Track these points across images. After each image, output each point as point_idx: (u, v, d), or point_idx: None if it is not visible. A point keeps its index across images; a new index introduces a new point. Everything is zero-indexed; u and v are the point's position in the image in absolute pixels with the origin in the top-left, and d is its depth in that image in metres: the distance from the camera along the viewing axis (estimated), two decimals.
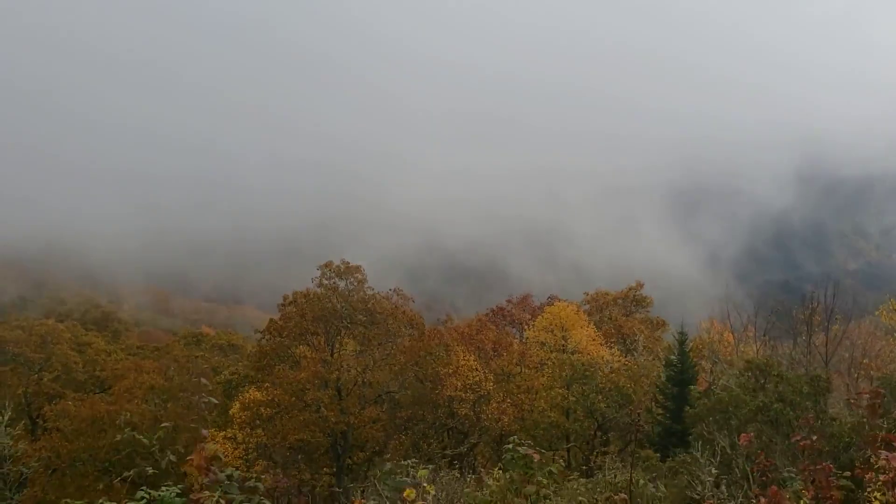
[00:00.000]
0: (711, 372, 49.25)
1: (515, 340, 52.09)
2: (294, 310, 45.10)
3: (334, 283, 45.45)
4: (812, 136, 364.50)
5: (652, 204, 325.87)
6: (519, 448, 7.16)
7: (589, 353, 50.26)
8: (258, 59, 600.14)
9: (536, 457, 6.93)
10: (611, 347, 53.27)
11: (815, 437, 10.66)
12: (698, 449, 16.94)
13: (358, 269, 45.48)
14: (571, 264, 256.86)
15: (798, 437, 10.27)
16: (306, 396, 42.44)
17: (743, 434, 11.74)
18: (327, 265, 45.20)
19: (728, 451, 13.47)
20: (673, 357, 45.12)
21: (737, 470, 12.46)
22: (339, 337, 46.95)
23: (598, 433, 49.33)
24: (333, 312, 44.95)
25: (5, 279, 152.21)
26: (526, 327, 56.20)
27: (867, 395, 9.22)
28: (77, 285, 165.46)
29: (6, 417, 50.69)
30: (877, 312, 48.87)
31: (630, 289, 61.55)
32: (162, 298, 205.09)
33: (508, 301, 61.23)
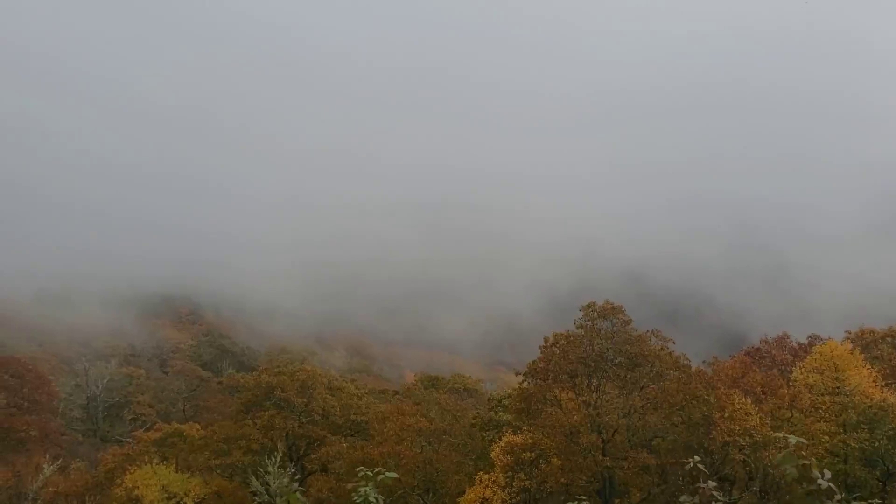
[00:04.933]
0: None
1: (783, 383, 49.01)
2: (557, 351, 44.85)
3: (596, 324, 44.86)
4: None
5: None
6: None
7: (870, 396, 46.37)
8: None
9: None
10: (891, 389, 48.93)
11: None
12: None
13: (620, 309, 44.70)
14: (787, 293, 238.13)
15: None
16: (580, 439, 41.75)
17: None
18: (589, 306, 44.78)
19: None
20: None
21: None
22: (598, 379, 46.17)
23: (885, 483, 45.32)
24: (598, 354, 44.28)
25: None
26: (788, 368, 52.91)
27: None
28: (268, 334, 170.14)
29: (278, 458, 53.75)
30: None
31: None
32: (364, 345, 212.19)
33: (764, 341, 58.13)
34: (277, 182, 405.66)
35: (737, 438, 42.17)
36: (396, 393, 69.97)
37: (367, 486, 8.22)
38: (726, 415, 42.09)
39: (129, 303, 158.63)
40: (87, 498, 59.93)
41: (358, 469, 8.31)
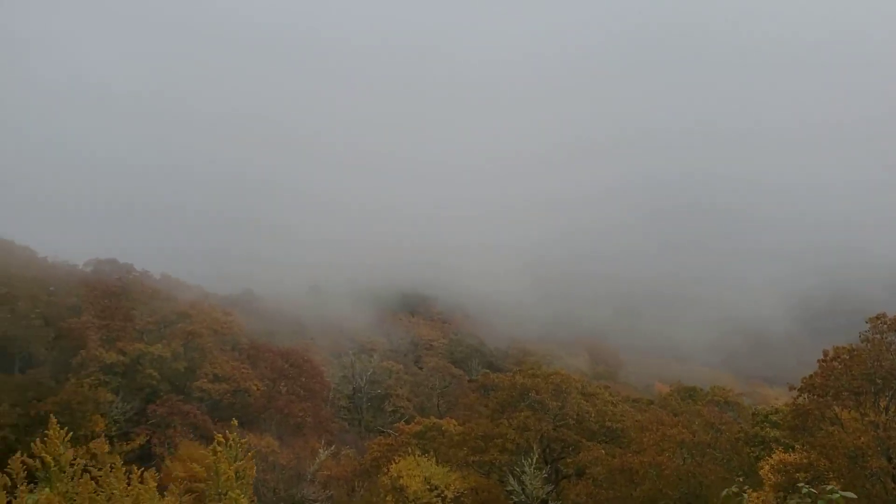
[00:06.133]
0: None
1: None
2: (838, 366, 41.25)
3: (886, 337, 40.67)
4: None
5: None
6: None
7: None
8: None
9: None
10: None
11: None
12: None
13: None
14: None
15: None
16: (866, 463, 38.07)
17: None
18: (878, 317, 40.70)
19: None
20: None
21: None
22: (888, 399, 41.83)
23: None
24: (888, 371, 40.09)
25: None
26: None
27: None
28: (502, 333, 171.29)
29: (534, 459, 54.40)
30: None
31: None
32: (604, 350, 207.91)
33: None
34: (502, 185, 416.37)
35: None
36: (651, 402, 68.25)
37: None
38: None
39: (387, 301, 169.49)
40: (355, 483, 64.52)
41: (800, 485, 7.93)
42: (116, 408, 70.66)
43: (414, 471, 58.13)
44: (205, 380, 77.15)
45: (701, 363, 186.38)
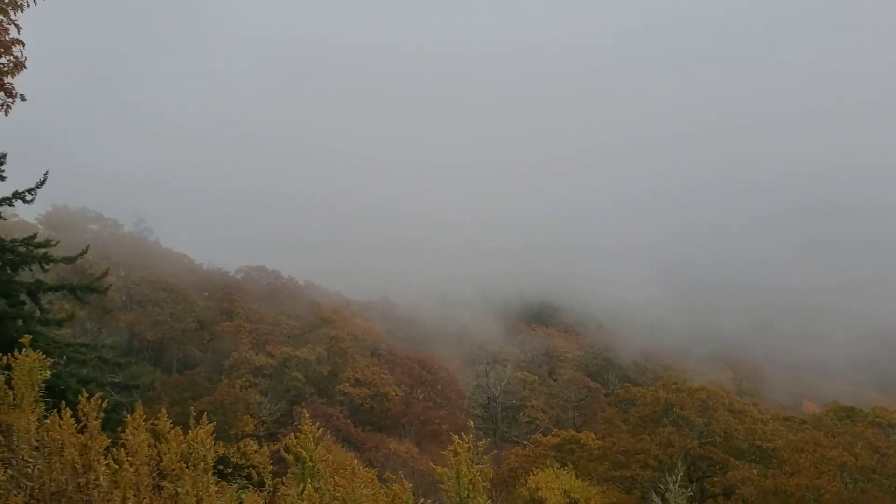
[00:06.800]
0: None
1: None
2: None
3: None
4: None
5: None
6: None
7: None
8: None
9: None
10: None
11: None
12: None
13: None
14: None
15: None
16: None
17: None
18: None
19: None
20: None
21: None
22: None
23: None
24: None
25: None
26: None
27: None
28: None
29: (678, 477, 52.66)
30: None
31: None
32: (748, 365, 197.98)
33: None
34: (622, 179, 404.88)
35: None
36: (803, 422, 64.65)
37: None
38: None
39: (514, 310, 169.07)
40: (493, 493, 64.50)
41: None
42: (265, 409, 73.72)
43: (553, 483, 57.58)
44: (346, 384, 79.30)
45: (849, 381, 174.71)
